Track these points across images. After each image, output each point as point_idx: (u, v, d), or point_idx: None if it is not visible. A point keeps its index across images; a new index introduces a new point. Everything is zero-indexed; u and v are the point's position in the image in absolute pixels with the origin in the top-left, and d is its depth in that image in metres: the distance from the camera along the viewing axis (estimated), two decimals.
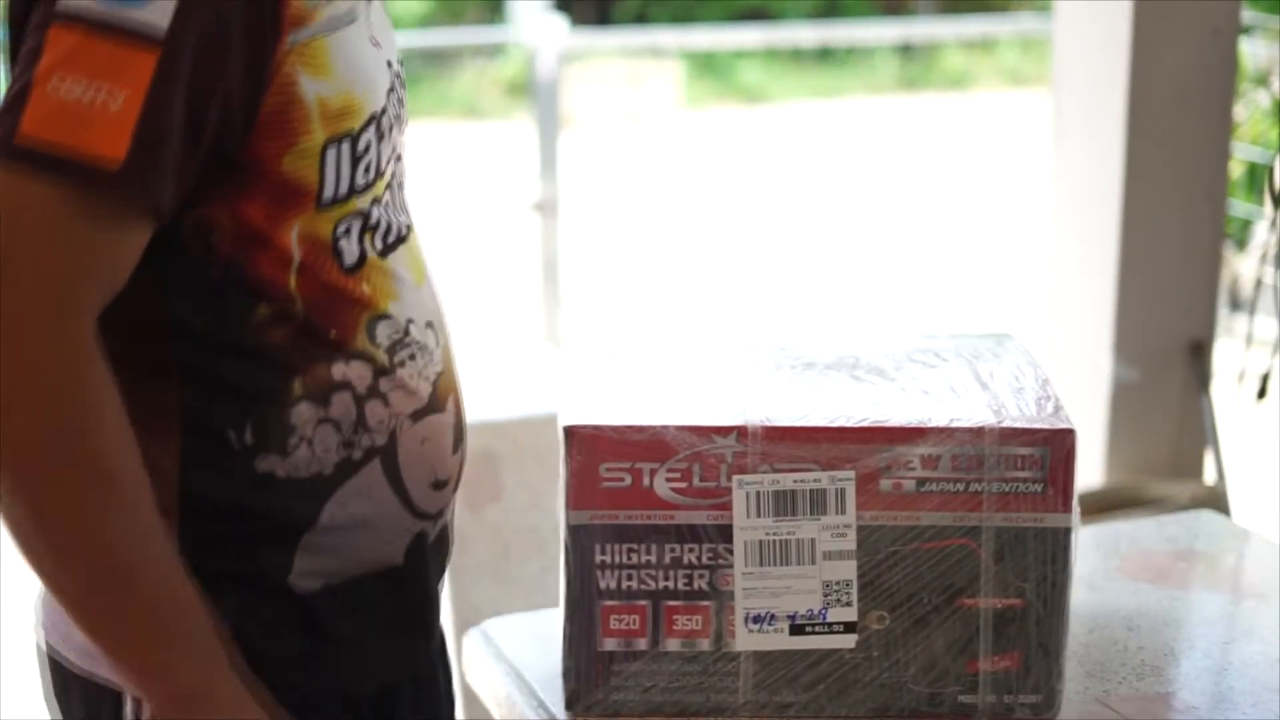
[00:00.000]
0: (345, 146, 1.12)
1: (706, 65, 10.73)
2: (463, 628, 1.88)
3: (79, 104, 1.00)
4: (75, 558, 1.04)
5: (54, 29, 1.02)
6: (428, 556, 1.25)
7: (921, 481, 1.29)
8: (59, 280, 1.00)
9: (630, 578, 1.31)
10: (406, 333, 1.18)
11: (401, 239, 1.19)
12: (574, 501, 1.30)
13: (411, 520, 1.22)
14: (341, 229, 1.13)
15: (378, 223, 1.16)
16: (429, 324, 1.21)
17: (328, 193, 1.11)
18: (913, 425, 1.29)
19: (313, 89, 1.09)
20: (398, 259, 1.19)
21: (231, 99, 1.06)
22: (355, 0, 1.15)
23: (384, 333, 1.16)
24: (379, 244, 1.16)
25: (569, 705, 1.34)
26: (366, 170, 1.14)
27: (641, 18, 11.59)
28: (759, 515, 1.29)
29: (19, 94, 1.02)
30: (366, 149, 1.14)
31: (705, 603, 1.31)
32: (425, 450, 1.21)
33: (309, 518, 1.16)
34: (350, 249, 1.13)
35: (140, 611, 1.07)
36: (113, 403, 1.03)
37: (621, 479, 1.29)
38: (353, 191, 1.13)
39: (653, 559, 1.30)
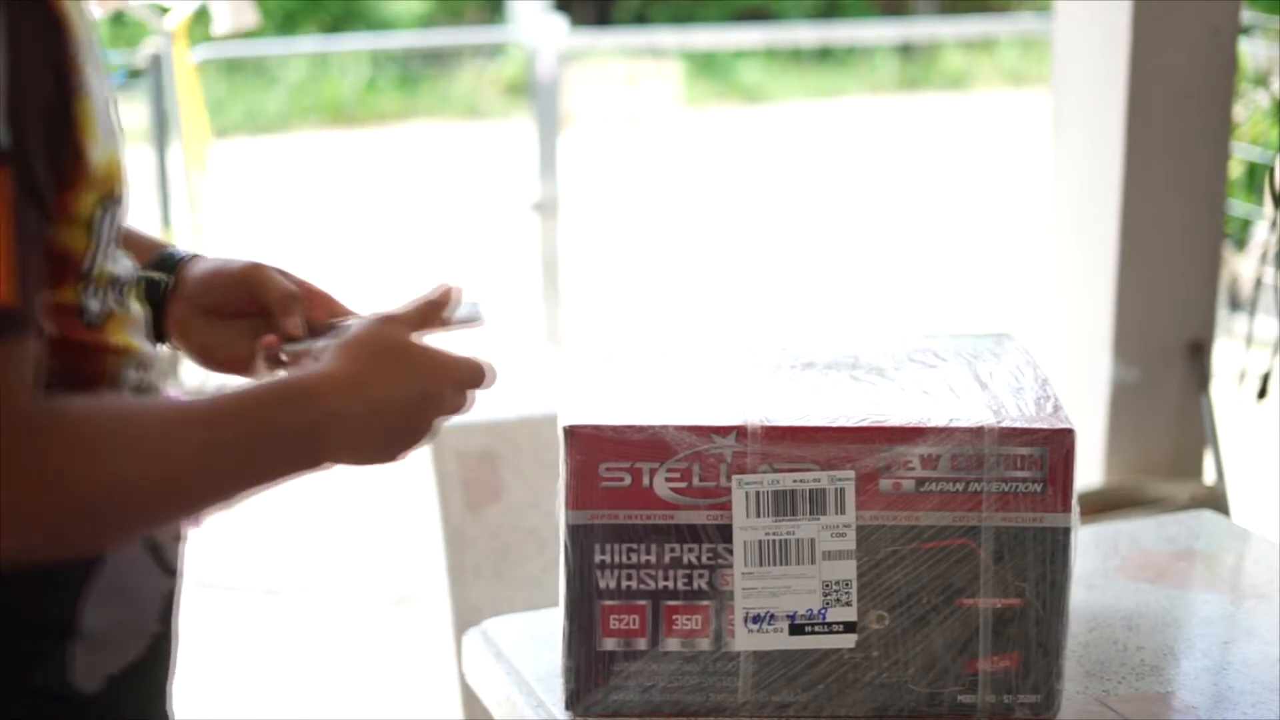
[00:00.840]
0: (113, 209, 1.04)
1: (706, 65, 10.74)
2: (463, 628, 1.88)
3: None
4: (183, 500, 1.02)
5: None
6: (174, 616, 1.17)
7: (921, 481, 1.29)
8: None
9: (630, 578, 1.31)
10: (147, 371, 1.10)
11: (130, 283, 1.11)
12: (574, 501, 1.30)
13: (165, 580, 1.14)
14: (88, 289, 1.04)
15: (116, 275, 1.07)
16: (153, 357, 1.13)
17: (89, 260, 1.03)
18: (912, 425, 1.29)
19: (91, 153, 1.00)
20: (131, 302, 1.10)
21: (52, 182, 0.98)
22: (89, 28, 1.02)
23: (131, 379, 1.08)
24: (117, 294, 1.08)
25: (569, 705, 1.34)
26: (118, 226, 1.06)
27: (641, 18, 11.60)
28: (759, 515, 1.29)
29: None
30: (123, 204, 1.06)
31: (705, 602, 1.31)
32: None
33: (77, 600, 1.06)
34: (95, 306, 1.04)
35: (263, 451, 1.04)
36: (93, 429, 0.96)
37: (621, 479, 1.29)
38: (111, 253, 1.05)
39: (652, 559, 1.30)
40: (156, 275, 1.26)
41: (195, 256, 1.29)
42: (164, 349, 1.28)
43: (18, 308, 0.92)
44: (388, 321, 1.14)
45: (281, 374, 1.11)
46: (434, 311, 1.19)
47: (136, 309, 1.11)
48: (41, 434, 0.93)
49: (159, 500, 1.00)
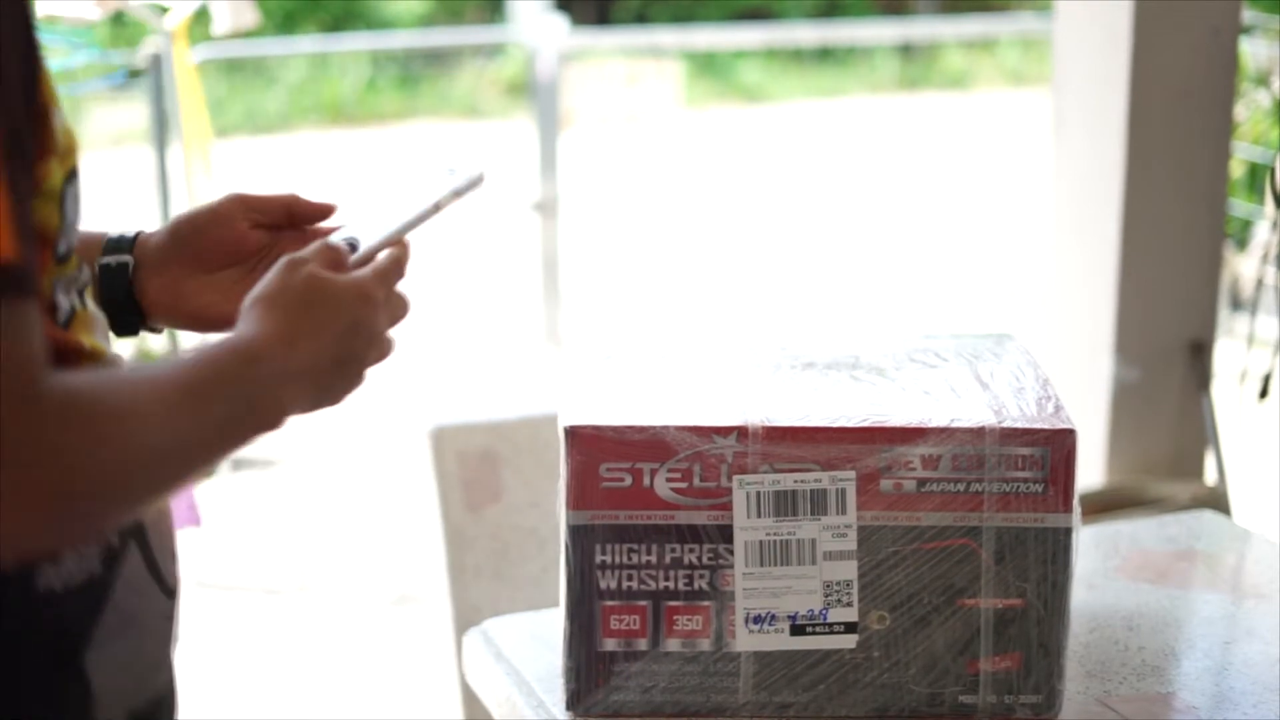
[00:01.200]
0: (75, 183, 0.99)
1: (706, 65, 10.74)
2: (463, 628, 1.88)
3: None
4: (170, 470, 0.96)
5: None
6: (174, 640, 1.12)
7: (922, 482, 1.29)
8: (18, 383, 0.84)
9: (630, 578, 1.31)
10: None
11: (86, 282, 1.06)
12: (574, 501, 1.30)
13: (166, 603, 1.09)
14: (58, 282, 0.99)
15: (80, 271, 1.03)
16: (118, 360, 1.08)
17: (64, 243, 0.98)
18: (913, 425, 1.29)
19: (57, 116, 0.96)
20: (89, 301, 1.06)
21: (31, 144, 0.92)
22: None
23: None
24: (78, 291, 1.03)
25: (569, 705, 1.34)
26: (79, 210, 1.01)
27: (641, 17, 11.61)
28: (759, 515, 1.29)
29: None
30: (79, 186, 1.01)
31: (705, 603, 1.31)
32: (162, 517, 1.09)
33: (88, 633, 1.01)
34: (64, 302, 1.00)
35: (216, 417, 0.97)
36: (101, 408, 0.89)
37: (622, 479, 1.29)
38: (74, 233, 1.00)
39: (653, 559, 1.30)
40: (114, 260, 1.21)
41: (141, 232, 1.24)
42: (135, 339, 1.24)
43: (19, 263, 0.83)
44: (295, 264, 1.08)
45: (220, 337, 1.05)
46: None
47: (95, 309, 1.07)
48: (58, 414, 0.86)
49: (158, 473, 0.94)
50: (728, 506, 1.29)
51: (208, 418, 0.97)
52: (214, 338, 1.04)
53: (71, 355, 1.01)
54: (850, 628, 1.31)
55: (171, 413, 0.94)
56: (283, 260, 1.09)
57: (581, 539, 1.30)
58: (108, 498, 0.91)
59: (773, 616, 1.31)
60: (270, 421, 1.02)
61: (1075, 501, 1.31)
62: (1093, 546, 1.70)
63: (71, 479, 0.86)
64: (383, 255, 1.14)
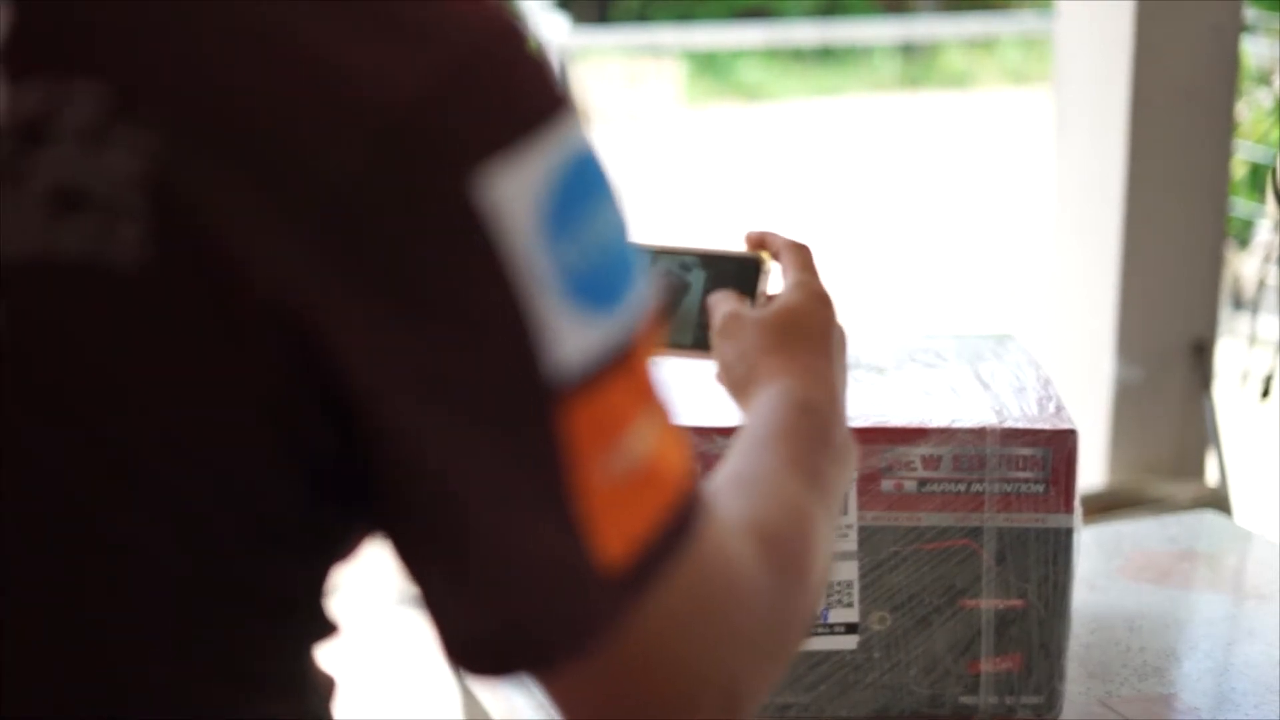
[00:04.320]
0: None
1: (707, 64, 10.75)
2: None
3: (643, 463, 0.67)
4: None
5: (563, 410, 0.66)
6: None
7: (923, 482, 1.28)
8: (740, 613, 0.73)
9: None
10: None
11: None
12: None
13: None
14: None
15: None
16: None
17: None
18: (914, 425, 1.29)
19: None
20: None
21: None
22: None
23: None
24: None
25: None
26: None
27: (642, 16, 11.61)
28: None
29: (522, 521, 0.66)
30: None
31: None
32: None
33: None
34: None
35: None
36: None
37: None
38: None
39: None
40: None
41: None
42: None
43: (697, 486, 0.72)
44: (804, 293, 1.04)
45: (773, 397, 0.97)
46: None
47: None
48: (768, 569, 0.76)
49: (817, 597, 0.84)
50: None
51: (830, 498, 0.90)
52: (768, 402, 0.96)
53: None
54: (851, 628, 1.31)
55: (812, 502, 0.87)
56: (775, 304, 1.05)
57: None
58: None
59: None
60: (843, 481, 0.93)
61: (1076, 502, 1.30)
62: (1094, 547, 1.69)
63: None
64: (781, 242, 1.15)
